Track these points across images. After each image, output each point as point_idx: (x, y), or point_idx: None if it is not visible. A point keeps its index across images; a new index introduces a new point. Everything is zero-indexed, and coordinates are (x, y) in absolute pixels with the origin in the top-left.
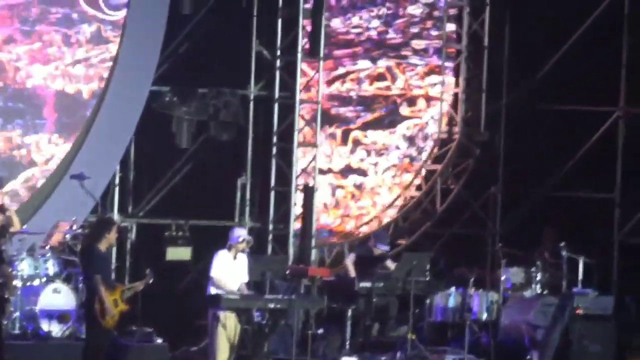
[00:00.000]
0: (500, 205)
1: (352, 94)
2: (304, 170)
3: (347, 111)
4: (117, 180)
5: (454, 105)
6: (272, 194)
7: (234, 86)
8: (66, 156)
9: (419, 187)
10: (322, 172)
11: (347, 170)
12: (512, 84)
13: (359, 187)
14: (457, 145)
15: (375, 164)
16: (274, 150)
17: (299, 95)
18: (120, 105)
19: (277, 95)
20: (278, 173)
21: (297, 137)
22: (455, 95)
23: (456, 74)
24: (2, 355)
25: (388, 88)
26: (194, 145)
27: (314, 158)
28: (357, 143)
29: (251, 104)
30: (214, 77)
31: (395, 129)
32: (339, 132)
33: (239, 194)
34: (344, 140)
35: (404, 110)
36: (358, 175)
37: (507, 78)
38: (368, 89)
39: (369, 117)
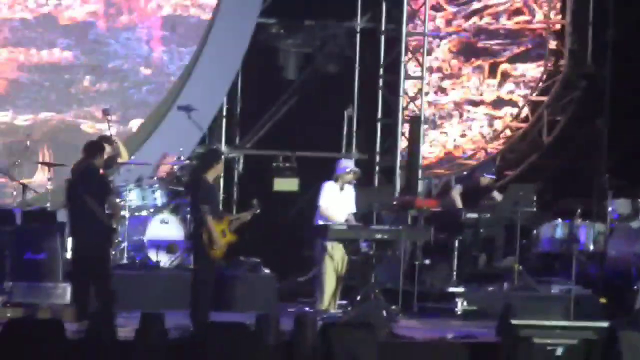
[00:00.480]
0: (606, 137)
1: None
2: (412, 100)
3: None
4: (224, 112)
5: (561, 37)
6: (379, 125)
7: (341, 18)
8: (173, 88)
9: (525, 119)
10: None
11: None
12: (619, 16)
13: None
14: (564, 77)
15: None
16: (381, 82)
17: (406, 27)
18: (226, 37)
19: (383, 27)
20: (385, 105)
21: (404, 69)
22: (562, 27)
23: (563, 5)
24: (109, 284)
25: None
26: (301, 77)
27: (419, 91)
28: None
29: (358, 36)
30: (321, 9)
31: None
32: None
33: (345, 126)
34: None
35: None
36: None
37: (614, 9)
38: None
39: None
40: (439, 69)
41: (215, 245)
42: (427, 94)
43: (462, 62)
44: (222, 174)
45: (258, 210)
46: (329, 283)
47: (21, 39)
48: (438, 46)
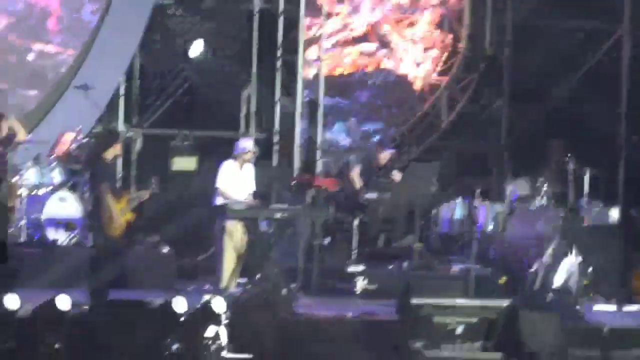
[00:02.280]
0: (506, 118)
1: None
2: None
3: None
4: (122, 91)
5: (459, 19)
6: (277, 105)
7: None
8: (71, 67)
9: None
10: None
11: None
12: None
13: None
14: (462, 59)
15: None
16: (279, 63)
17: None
18: (124, 16)
19: (281, 8)
20: (283, 85)
21: (301, 50)
22: (461, 9)
23: None
24: (7, 262)
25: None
26: (199, 58)
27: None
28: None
29: (255, 17)
30: None
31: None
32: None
33: (244, 105)
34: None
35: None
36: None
37: None
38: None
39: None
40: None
41: (114, 223)
42: None
43: None
44: (120, 153)
45: (156, 189)
46: (229, 262)
47: None
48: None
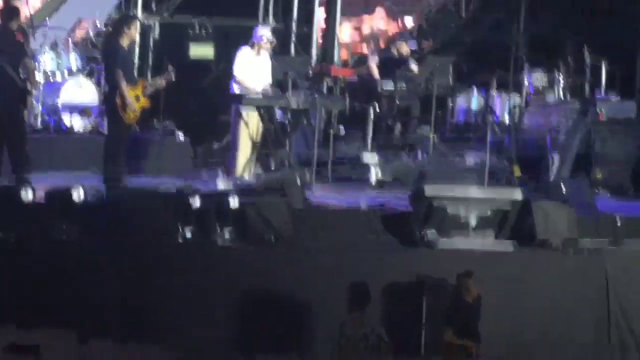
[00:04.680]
0: (524, 10)
1: None
2: None
3: None
4: None
5: None
6: None
7: None
8: None
9: None
10: None
11: None
12: None
13: None
14: None
15: None
16: None
17: None
18: None
19: None
20: None
21: None
22: None
23: None
24: (23, 148)
25: None
26: None
27: None
28: None
29: None
30: None
31: None
32: None
33: None
34: None
35: None
36: None
37: None
38: None
39: None
40: None
41: (129, 109)
42: None
43: None
44: (137, 40)
45: (173, 76)
46: (244, 150)
47: None
48: None
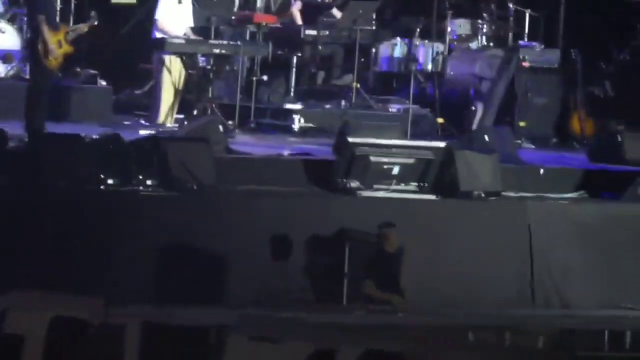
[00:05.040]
0: None
1: None
2: None
3: None
4: None
5: None
6: None
7: None
8: None
9: None
10: None
11: None
12: None
13: None
14: None
15: None
16: None
17: None
18: None
19: None
20: None
21: None
22: None
23: None
24: None
25: None
26: None
27: None
28: None
29: None
30: None
31: None
32: None
33: None
34: None
35: None
36: None
37: None
38: None
39: None
40: None
41: (51, 55)
42: None
43: None
44: None
45: (96, 22)
46: (167, 96)
47: None
48: None
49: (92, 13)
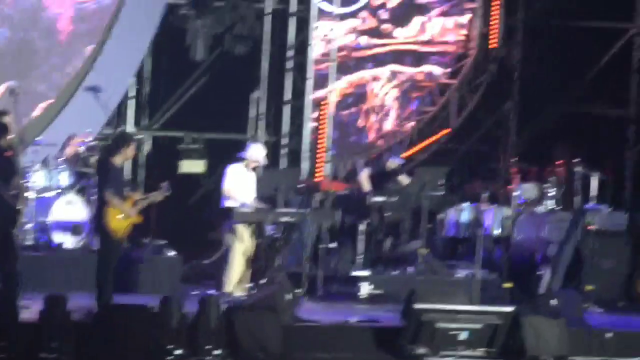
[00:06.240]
0: (514, 121)
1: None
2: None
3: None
4: (132, 93)
5: (471, 20)
6: (286, 107)
7: None
8: (81, 68)
9: (433, 102)
10: None
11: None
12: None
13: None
14: (473, 60)
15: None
16: (289, 64)
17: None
18: (136, 17)
19: (293, 8)
20: (293, 87)
21: (311, 51)
22: (473, 10)
23: None
24: (14, 266)
25: None
26: (209, 59)
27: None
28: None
29: (267, 17)
30: None
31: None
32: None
33: (253, 108)
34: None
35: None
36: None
37: None
38: None
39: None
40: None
41: (119, 226)
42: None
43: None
44: (131, 158)
45: (168, 192)
46: (237, 266)
47: None
48: None
49: (164, 183)
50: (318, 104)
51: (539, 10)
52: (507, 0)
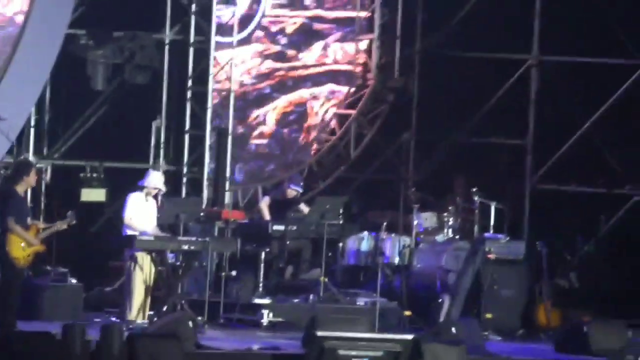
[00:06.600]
0: (413, 151)
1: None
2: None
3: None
4: (32, 122)
5: (368, 51)
6: (187, 137)
7: (150, 30)
8: None
9: (332, 132)
10: None
11: None
12: (426, 30)
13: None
14: (371, 90)
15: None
16: (189, 93)
17: (214, 39)
18: (35, 47)
19: (192, 39)
20: (193, 116)
21: (211, 81)
22: (370, 41)
23: (371, 19)
24: None
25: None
26: (109, 88)
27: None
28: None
29: (166, 48)
30: (130, 21)
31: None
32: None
33: (153, 137)
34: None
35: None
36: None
37: (422, 24)
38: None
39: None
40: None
41: (22, 255)
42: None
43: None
44: (33, 185)
45: (74, 221)
46: (138, 293)
47: None
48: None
49: (70, 212)
50: (219, 133)
51: (436, 41)
52: (404, 31)
